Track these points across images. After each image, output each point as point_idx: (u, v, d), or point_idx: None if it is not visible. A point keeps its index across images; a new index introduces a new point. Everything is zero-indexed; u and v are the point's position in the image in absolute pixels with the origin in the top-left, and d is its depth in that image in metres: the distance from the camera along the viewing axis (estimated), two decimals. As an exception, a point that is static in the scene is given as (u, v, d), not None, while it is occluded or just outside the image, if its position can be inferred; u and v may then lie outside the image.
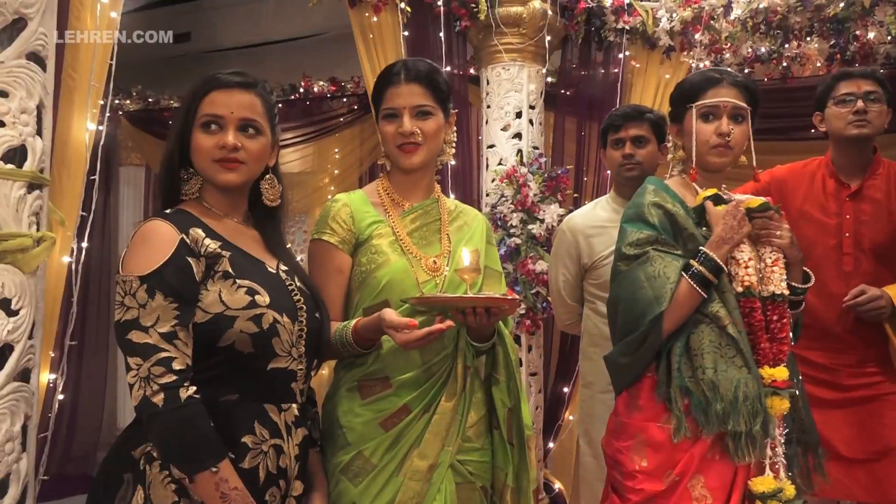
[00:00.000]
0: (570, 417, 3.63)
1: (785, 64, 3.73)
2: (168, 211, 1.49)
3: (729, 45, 3.62)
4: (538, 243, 3.35)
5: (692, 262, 1.72)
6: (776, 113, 3.68)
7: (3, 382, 1.51)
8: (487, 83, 3.63)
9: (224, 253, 1.44)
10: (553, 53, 3.74)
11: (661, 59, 3.66)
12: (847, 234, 2.41)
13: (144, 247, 1.40)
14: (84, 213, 2.44)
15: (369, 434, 1.63)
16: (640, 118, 2.59)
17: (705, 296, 1.71)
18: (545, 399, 3.69)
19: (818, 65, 3.72)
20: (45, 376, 2.46)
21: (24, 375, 1.58)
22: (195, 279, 1.40)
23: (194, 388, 1.35)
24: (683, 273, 1.71)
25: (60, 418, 4.28)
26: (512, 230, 3.36)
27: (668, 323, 1.70)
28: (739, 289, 1.74)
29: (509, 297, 1.56)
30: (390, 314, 1.55)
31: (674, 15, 3.57)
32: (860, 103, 2.38)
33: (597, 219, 2.63)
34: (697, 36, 3.58)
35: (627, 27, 3.63)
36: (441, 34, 3.48)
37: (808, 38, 3.58)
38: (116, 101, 5.23)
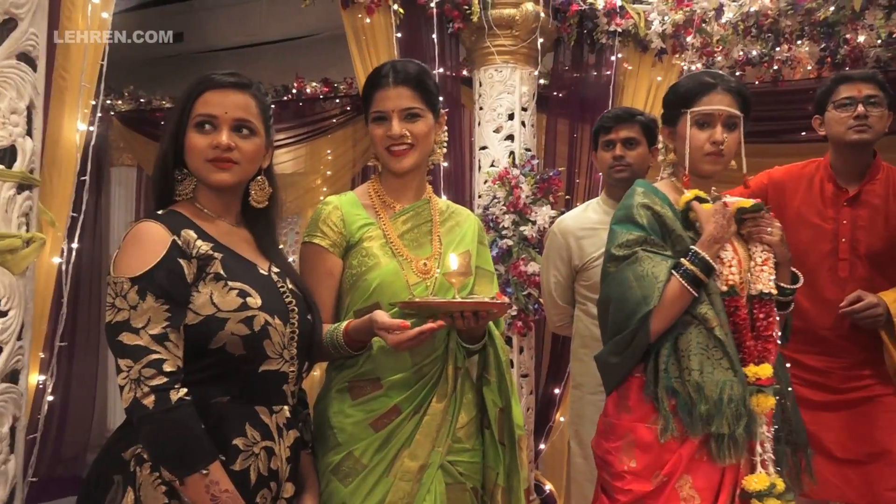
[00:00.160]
0: (562, 419, 3.64)
1: (776, 67, 3.75)
2: (160, 212, 1.49)
3: (720, 48, 3.63)
4: (530, 245, 3.36)
5: (683, 261, 1.73)
6: (767, 116, 3.70)
7: (-8, 384, 1.51)
8: (480, 85, 3.63)
9: (216, 255, 1.44)
10: (545, 55, 3.76)
11: (653, 61, 3.67)
12: (843, 240, 2.39)
13: (136, 248, 1.40)
14: (74, 214, 2.43)
15: (359, 434, 1.64)
16: (631, 120, 2.60)
17: (696, 295, 1.72)
18: (536, 400, 3.70)
19: (809, 68, 3.74)
20: (35, 377, 2.46)
21: (12, 377, 1.57)
22: (186, 281, 1.40)
23: (185, 389, 1.35)
24: (674, 272, 1.72)
25: (50, 420, 4.25)
26: (504, 232, 3.37)
27: (657, 322, 1.71)
28: (724, 288, 1.75)
29: (498, 301, 1.56)
30: (382, 316, 1.55)
31: (665, 18, 3.58)
32: (861, 108, 2.34)
33: (588, 221, 2.64)
34: (689, 39, 3.59)
35: (619, 30, 3.64)
36: (434, 36, 3.49)
37: (799, 42, 3.60)
38: (108, 102, 5.22)
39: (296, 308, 1.53)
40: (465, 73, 3.93)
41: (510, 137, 3.56)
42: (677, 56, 3.65)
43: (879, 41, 3.46)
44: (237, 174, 1.50)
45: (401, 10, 3.43)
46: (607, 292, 1.81)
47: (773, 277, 1.82)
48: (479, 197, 3.56)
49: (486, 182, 3.51)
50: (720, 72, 1.88)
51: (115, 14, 2.45)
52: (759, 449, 1.71)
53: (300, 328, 1.52)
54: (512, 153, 3.53)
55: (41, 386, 2.53)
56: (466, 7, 3.45)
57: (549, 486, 3.67)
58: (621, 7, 3.63)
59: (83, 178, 2.43)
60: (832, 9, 3.39)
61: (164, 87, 5.32)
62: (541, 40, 3.54)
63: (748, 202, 1.84)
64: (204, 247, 1.43)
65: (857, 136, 2.35)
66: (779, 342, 1.82)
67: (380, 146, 1.73)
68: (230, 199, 1.56)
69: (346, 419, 1.65)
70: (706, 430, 1.66)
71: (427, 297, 1.59)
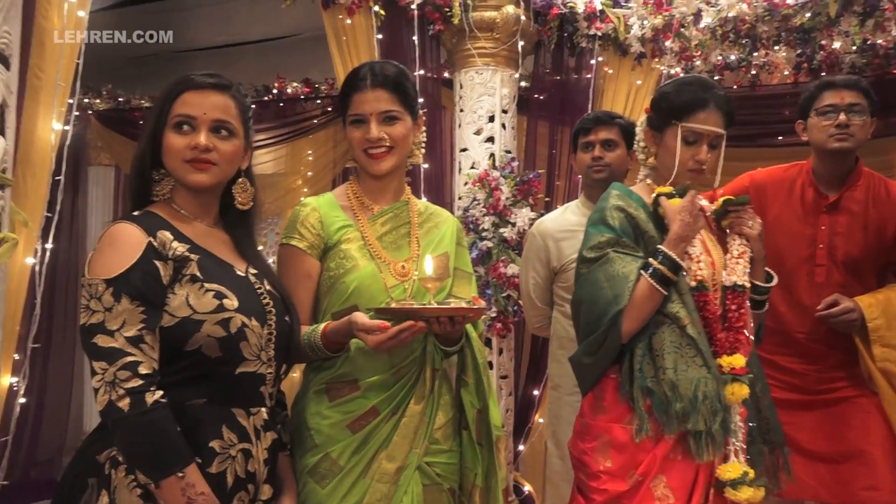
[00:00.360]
0: (541, 420, 3.65)
1: (754, 72, 3.79)
2: (136, 213, 1.48)
3: (699, 52, 3.67)
4: (510, 247, 3.37)
5: (651, 260, 1.75)
6: (744, 120, 3.70)
7: (-38, 386, 1.49)
8: (461, 87, 3.64)
9: (192, 256, 1.43)
10: (526, 58, 3.77)
11: (633, 65, 3.70)
12: (821, 246, 2.40)
13: (111, 249, 1.39)
14: (49, 214, 2.41)
15: (337, 436, 1.63)
16: (610, 122, 2.63)
17: (665, 293, 1.73)
18: (516, 402, 3.71)
19: (786, 73, 3.79)
20: (7, 379, 2.43)
21: (-16, 379, 1.55)
22: (162, 283, 1.39)
23: (161, 392, 1.34)
24: (643, 272, 1.74)
25: (24, 422, 4.21)
26: (484, 233, 3.38)
27: (629, 322, 1.72)
28: (693, 283, 1.77)
29: (475, 306, 1.57)
30: (361, 317, 1.55)
31: (645, 22, 3.61)
32: (842, 116, 2.33)
33: (566, 223, 2.66)
34: (668, 43, 3.62)
35: (599, 33, 3.66)
36: (415, 37, 3.49)
37: (776, 47, 3.64)
38: (86, 101, 5.16)
39: (273, 309, 1.52)
40: (445, 74, 3.93)
41: (490, 139, 3.57)
42: (657, 60, 3.68)
43: (854, 47, 3.51)
44: (215, 175, 1.50)
45: (382, 12, 3.43)
46: (579, 293, 1.83)
47: (747, 270, 1.84)
48: (460, 199, 3.57)
49: (466, 184, 3.51)
50: (712, 81, 1.87)
51: (93, 13, 2.43)
52: (731, 439, 1.73)
53: (278, 330, 1.52)
54: (492, 155, 3.54)
55: (14, 388, 2.50)
56: (447, 9, 3.46)
57: (527, 487, 3.68)
58: (601, 11, 3.66)
59: (58, 177, 2.40)
60: (808, 15, 3.43)
61: (144, 87, 5.27)
62: (521, 43, 3.56)
63: (730, 199, 1.86)
64: (180, 248, 1.42)
65: (838, 144, 2.35)
66: (752, 341, 1.84)
67: (358, 149, 1.73)
68: (208, 200, 1.55)
69: (324, 421, 1.65)
70: (682, 427, 1.68)
71: (403, 304, 1.59)
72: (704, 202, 1.90)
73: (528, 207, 3.43)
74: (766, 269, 1.93)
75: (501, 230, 3.38)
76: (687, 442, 1.70)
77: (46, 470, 4.60)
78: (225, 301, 1.42)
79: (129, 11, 5.06)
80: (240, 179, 1.57)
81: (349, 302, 1.66)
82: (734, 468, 1.71)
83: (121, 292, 1.34)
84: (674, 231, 1.76)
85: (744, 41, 3.62)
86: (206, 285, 1.42)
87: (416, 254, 1.75)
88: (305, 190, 4.99)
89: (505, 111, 3.60)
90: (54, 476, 4.50)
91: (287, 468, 1.62)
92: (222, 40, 5.48)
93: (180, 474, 1.32)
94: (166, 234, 1.43)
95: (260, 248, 1.65)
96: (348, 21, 3.38)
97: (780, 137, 3.71)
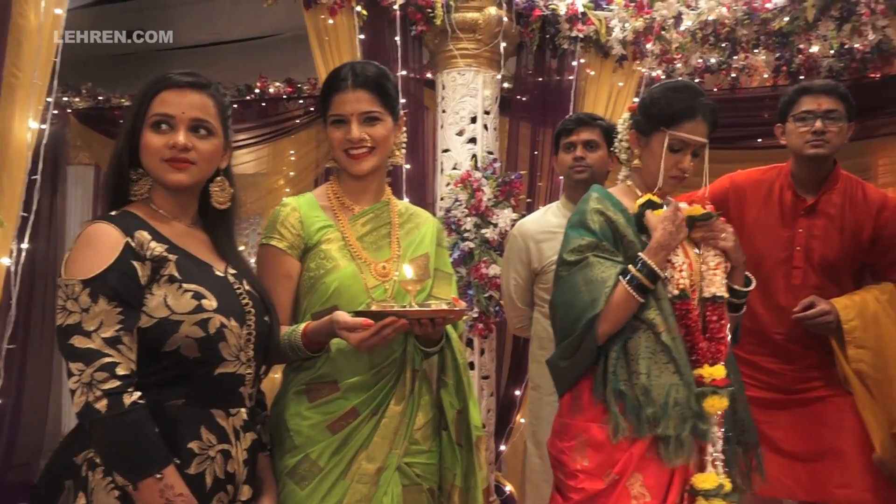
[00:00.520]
0: (522, 420, 3.66)
1: (734, 75, 3.83)
2: (113, 213, 1.47)
3: (679, 55, 3.70)
4: (491, 247, 3.38)
5: (630, 267, 1.76)
6: (724, 122, 3.71)
7: (-65, 387, 1.47)
8: (443, 88, 3.65)
9: (170, 256, 1.43)
10: (508, 59, 3.78)
11: (614, 67, 3.72)
12: (798, 248, 2.43)
13: (88, 250, 1.38)
14: (25, 214, 2.38)
15: (316, 437, 1.63)
16: (592, 123, 2.66)
17: (642, 300, 1.75)
18: (497, 402, 3.72)
19: (765, 76, 3.83)
20: (-18, 381, 2.40)
21: (-42, 380, 1.54)
22: (140, 283, 1.38)
23: (139, 393, 1.33)
24: (621, 278, 1.75)
25: (1, 424, 4.16)
26: (466, 234, 3.38)
27: (604, 326, 1.74)
28: (675, 291, 1.79)
29: (455, 308, 1.57)
30: (343, 315, 1.54)
31: (626, 25, 3.63)
32: (819, 123, 2.36)
33: (547, 224, 2.67)
34: (649, 46, 3.65)
35: (581, 35, 3.68)
36: (397, 38, 3.49)
37: (756, 51, 3.67)
38: (65, 99, 5.11)
39: (252, 310, 1.52)
40: (428, 75, 3.94)
41: (472, 140, 3.57)
42: (638, 62, 3.71)
43: (832, 51, 3.55)
44: (194, 175, 1.49)
45: (364, 12, 3.43)
46: (558, 297, 1.84)
47: (725, 281, 1.86)
48: (442, 199, 3.57)
49: (448, 184, 3.52)
50: (699, 89, 1.88)
51: (72, 10, 2.41)
52: (709, 449, 1.75)
53: (257, 330, 1.51)
54: (474, 156, 3.54)
55: (-10, 390, 2.47)
56: (430, 10, 3.46)
57: (509, 487, 3.69)
58: (583, 13, 3.67)
59: (34, 177, 2.38)
60: (787, 19, 3.47)
61: (124, 85, 5.21)
62: (503, 44, 3.57)
63: (698, 209, 1.87)
64: (158, 248, 1.42)
65: (814, 150, 2.38)
66: (729, 343, 1.87)
67: (338, 149, 1.72)
68: (186, 199, 1.54)
69: (303, 421, 1.65)
70: (652, 432, 1.71)
71: (384, 305, 1.59)
72: (684, 205, 1.91)
73: (510, 208, 3.44)
74: (746, 272, 1.95)
75: (483, 231, 3.39)
76: (659, 445, 1.72)
77: (24, 472, 4.54)
78: (203, 301, 1.42)
79: (109, 10, 5.01)
80: (218, 178, 1.56)
81: (329, 302, 1.66)
82: (710, 479, 1.73)
83: (98, 293, 1.33)
84: (655, 239, 1.78)
85: (723, 44, 3.66)
86: (185, 286, 1.41)
87: (397, 254, 1.75)
88: (287, 190, 4.97)
89: (487, 112, 3.61)
90: (31, 479, 4.44)
91: (267, 469, 1.61)
92: (204, 39, 5.44)
93: (158, 475, 1.31)
94: (144, 235, 1.42)
95: (241, 248, 1.65)
96: (330, 21, 3.37)
97: (759, 140, 3.74)
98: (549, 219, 2.71)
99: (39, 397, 4.89)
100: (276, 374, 1.78)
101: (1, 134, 2.17)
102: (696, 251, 1.89)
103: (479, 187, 3.41)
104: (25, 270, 2.48)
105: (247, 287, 1.55)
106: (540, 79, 3.85)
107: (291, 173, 5.07)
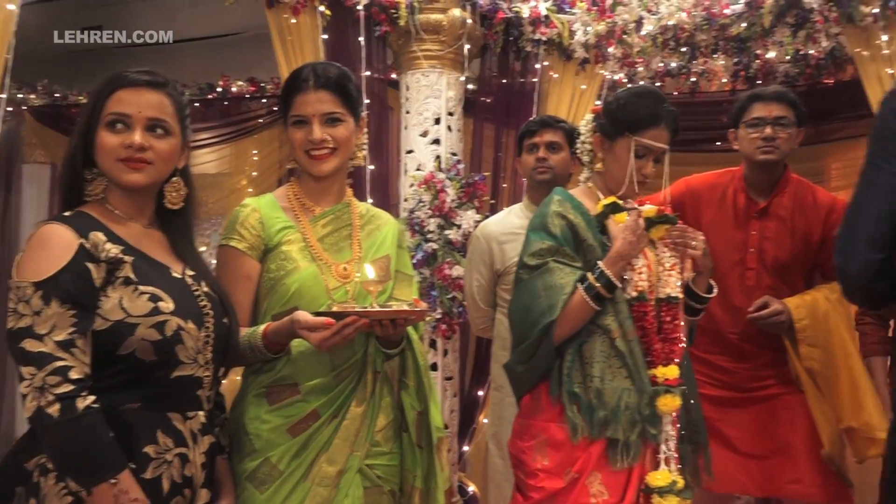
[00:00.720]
0: (485, 420, 3.68)
1: (693, 79, 3.89)
2: (67, 213, 1.44)
3: (641, 59, 3.75)
4: (455, 249, 3.39)
5: (588, 275, 1.79)
6: (684, 126, 3.78)
7: None
8: (407, 89, 3.64)
9: (126, 258, 1.40)
10: (472, 61, 3.79)
11: (577, 70, 3.75)
12: (752, 250, 2.49)
13: (41, 251, 1.35)
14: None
15: (276, 440, 1.62)
16: (555, 125, 2.69)
17: (598, 308, 1.78)
18: (461, 402, 3.73)
19: (724, 81, 3.90)
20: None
21: None
22: (94, 285, 1.36)
23: (93, 397, 1.31)
24: (579, 285, 1.77)
25: (-49, 430, 4.05)
26: (429, 235, 3.39)
27: (561, 331, 1.77)
28: (633, 293, 1.82)
29: (416, 309, 1.57)
30: (304, 315, 1.53)
31: (588, 28, 3.67)
32: (769, 130, 2.42)
33: (510, 225, 2.69)
34: (611, 49, 3.70)
35: (544, 38, 3.71)
36: (361, 38, 3.48)
37: (714, 55, 3.75)
38: (20, 96, 4.99)
39: (211, 311, 1.50)
40: (392, 75, 3.93)
41: (436, 141, 3.58)
42: (600, 66, 3.75)
43: (788, 57, 3.64)
44: (151, 175, 1.47)
45: (327, 12, 3.41)
46: (516, 301, 1.86)
47: (679, 282, 1.89)
48: (405, 200, 3.57)
49: (411, 185, 3.52)
50: (663, 95, 1.91)
51: (26, 6, 2.36)
52: (663, 447, 1.78)
53: (216, 332, 1.50)
54: (438, 157, 3.55)
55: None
56: (394, 11, 3.46)
57: (472, 488, 3.70)
58: (546, 16, 3.70)
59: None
60: (744, 25, 3.54)
61: (81, 83, 5.11)
62: (467, 46, 3.58)
63: (651, 210, 1.89)
64: (113, 250, 1.39)
65: (764, 156, 2.44)
66: (684, 345, 1.90)
67: (300, 150, 1.72)
68: (143, 200, 1.52)
69: (263, 425, 1.63)
70: (603, 434, 1.74)
71: (345, 306, 1.58)
72: (649, 206, 1.94)
73: (474, 210, 3.45)
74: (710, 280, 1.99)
75: (447, 232, 3.40)
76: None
77: (-25, 479, 4.42)
78: (160, 304, 1.40)
79: (65, 6, 4.92)
80: (173, 178, 1.53)
81: (290, 304, 1.65)
82: (663, 476, 1.76)
83: (50, 295, 1.31)
84: (615, 249, 1.80)
85: (683, 49, 3.73)
86: (141, 287, 1.39)
87: (358, 256, 1.75)
88: (250, 190, 4.92)
89: (451, 113, 3.62)
90: (-17, 485, 4.33)
91: (225, 472, 1.59)
92: (164, 37, 5.36)
93: (113, 481, 1.29)
94: (99, 236, 1.39)
95: (203, 248, 1.63)
96: (293, 20, 3.35)
97: (717, 143, 3.81)
98: (511, 220, 2.73)
99: (-9, 403, 4.78)
100: (237, 376, 1.77)
101: (-49, 132, 2.11)
102: (655, 252, 1.92)
103: (442, 188, 3.42)
104: (-24, 271, 2.42)
105: (205, 289, 1.53)
106: (503, 81, 3.88)
107: (254, 173, 5.02)
